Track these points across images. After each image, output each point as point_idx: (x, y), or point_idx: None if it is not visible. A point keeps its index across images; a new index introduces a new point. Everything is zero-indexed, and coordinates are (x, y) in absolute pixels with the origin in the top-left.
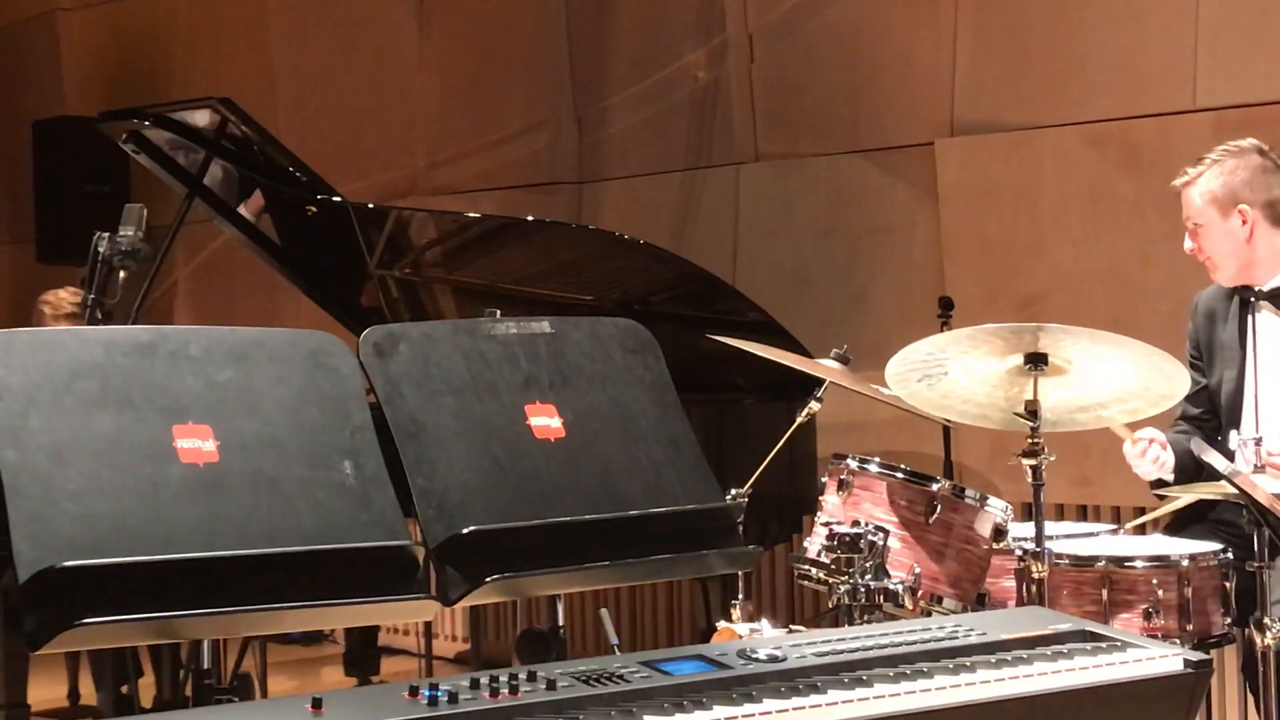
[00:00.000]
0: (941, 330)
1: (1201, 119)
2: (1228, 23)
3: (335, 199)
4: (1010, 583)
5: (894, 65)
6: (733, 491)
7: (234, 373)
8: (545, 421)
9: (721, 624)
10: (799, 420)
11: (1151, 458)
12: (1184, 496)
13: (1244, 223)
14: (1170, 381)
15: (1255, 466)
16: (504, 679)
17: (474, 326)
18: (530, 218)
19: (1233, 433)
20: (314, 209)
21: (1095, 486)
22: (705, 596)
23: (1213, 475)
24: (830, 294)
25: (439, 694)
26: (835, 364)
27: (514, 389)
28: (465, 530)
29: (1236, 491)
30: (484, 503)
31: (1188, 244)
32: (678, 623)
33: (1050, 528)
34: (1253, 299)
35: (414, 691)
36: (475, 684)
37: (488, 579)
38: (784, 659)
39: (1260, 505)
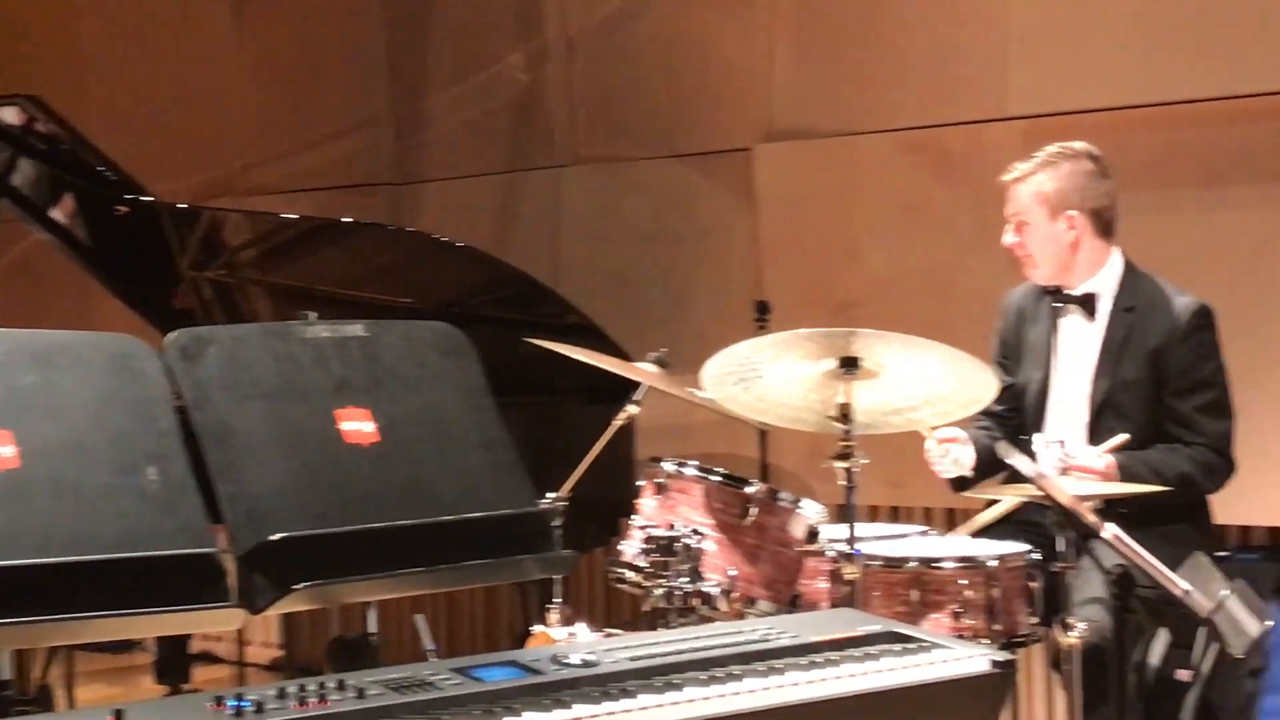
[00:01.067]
0: (758, 334)
1: (1013, 127)
2: (1038, 32)
3: (146, 198)
4: (824, 584)
5: (713, 71)
6: (549, 496)
7: (36, 376)
8: (358, 426)
9: (537, 628)
10: (616, 424)
11: (951, 459)
12: (1007, 499)
13: (1070, 228)
14: (979, 385)
15: (1059, 469)
16: (312, 688)
17: (286, 329)
18: (347, 219)
19: (1036, 435)
20: (125, 209)
21: (908, 489)
22: (523, 601)
23: (1018, 477)
24: (651, 297)
25: (245, 704)
26: (654, 367)
27: (326, 393)
28: (274, 537)
29: (1041, 493)
30: (294, 509)
31: (1008, 238)
32: (496, 627)
33: (862, 529)
34: (1062, 303)
35: (219, 701)
36: (283, 693)
37: (296, 586)
38: (597, 663)
39: (1064, 507)
